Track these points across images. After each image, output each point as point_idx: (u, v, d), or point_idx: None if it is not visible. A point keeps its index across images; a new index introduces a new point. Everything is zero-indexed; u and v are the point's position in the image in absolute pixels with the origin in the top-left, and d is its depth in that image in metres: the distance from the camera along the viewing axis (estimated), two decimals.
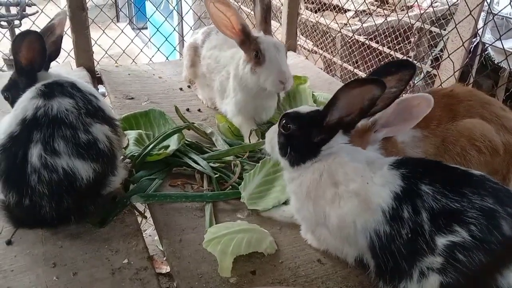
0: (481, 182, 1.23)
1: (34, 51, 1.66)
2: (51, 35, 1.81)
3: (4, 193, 1.59)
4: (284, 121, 1.51)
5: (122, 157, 1.88)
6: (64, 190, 1.55)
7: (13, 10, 3.76)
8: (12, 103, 1.73)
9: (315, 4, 5.42)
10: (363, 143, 1.67)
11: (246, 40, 2.16)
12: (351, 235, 1.38)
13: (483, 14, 3.02)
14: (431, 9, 4.17)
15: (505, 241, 1.10)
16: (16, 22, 3.68)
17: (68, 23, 2.91)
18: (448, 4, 3.22)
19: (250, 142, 2.20)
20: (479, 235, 1.12)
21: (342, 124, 1.44)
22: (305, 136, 1.47)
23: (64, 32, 2.98)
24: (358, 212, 1.33)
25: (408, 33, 4.21)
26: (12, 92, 1.74)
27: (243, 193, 1.84)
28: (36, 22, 3.29)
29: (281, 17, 3.75)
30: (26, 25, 3.54)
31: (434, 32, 3.88)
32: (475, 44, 3.71)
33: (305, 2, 5.41)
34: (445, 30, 3.66)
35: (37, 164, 1.51)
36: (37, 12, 3.67)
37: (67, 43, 3.04)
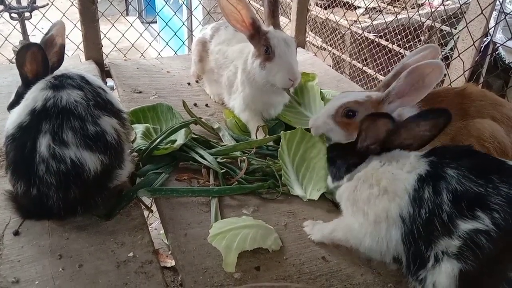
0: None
1: (37, 63, 1.68)
2: (52, 46, 1.81)
3: (12, 182, 1.60)
4: (330, 152, 1.71)
5: (129, 150, 1.89)
6: (72, 180, 1.56)
7: (24, 2, 3.78)
8: None
9: (325, 0, 5.40)
10: None
11: (256, 35, 2.15)
12: (384, 230, 1.40)
13: (494, 13, 3.00)
14: (442, 7, 4.13)
15: None
16: (27, 14, 3.70)
17: (77, 16, 2.93)
18: (459, 3, 3.19)
19: (257, 138, 2.19)
20: (501, 223, 1.10)
21: (370, 150, 1.54)
22: (344, 159, 1.61)
23: (74, 25, 3.01)
24: (389, 203, 1.38)
25: (418, 31, 4.17)
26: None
27: (298, 192, 1.86)
28: (46, 14, 3.30)
29: (290, 13, 3.74)
30: (36, 17, 3.55)
31: (445, 30, 3.85)
32: (486, 43, 3.67)
33: None
34: (455, 29, 3.63)
35: (46, 154, 1.52)
36: (47, 4, 3.69)
37: (77, 36, 3.06)
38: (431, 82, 1.68)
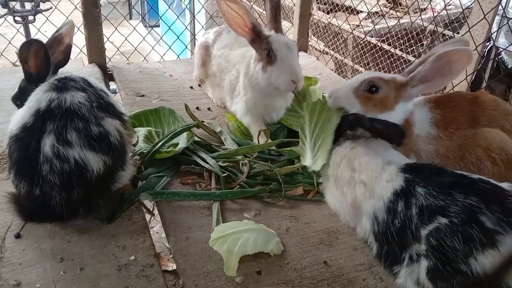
0: (472, 184, 1.39)
1: (40, 59, 1.70)
2: (59, 44, 1.84)
3: (16, 183, 1.61)
4: None
5: (131, 153, 1.89)
6: (75, 180, 1.56)
7: (28, 5, 3.80)
8: None
9: (327, 5, 5.40)
10: (397, 97, 1.83)
11: (257, 39, 2.16)
12: (359, 215, 1.64)
13: (497, 18, 3.00)
14: (444, 12, 4.13)
15: (481, 231, 1.24)
16: (30, 17, 3.72)
17: (81, 20, 2.94)
18: (462, 8, 3.19)
19: (258, 142, 2.19)
20: (457, 226, 1.28)
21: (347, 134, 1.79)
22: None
23: (77, 29, 3.03)
24: (365, 198, 1.59)
25: (421, 35, 4.17)
26: (22, 99, 1.75)
27: (306, 162, 1.87)
28: (50, 18, 3.32)
29: (293, 17, 3.74)
30: (40, 20, 3.57)
31: (447, 35, 3.84)
32: (488, 48, 3.66)
33: (318, 3, 5.39)
34: (458, 33, 3.62)
35: (50, 153, 1.53)
36: (51, 8, 3.70)
37: (80, 39, 3.06)
38: (458, 69, 1.70)
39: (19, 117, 1.62)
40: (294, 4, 3.69)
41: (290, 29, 3.75)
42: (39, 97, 1.61)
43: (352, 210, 1.68)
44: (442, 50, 1.73)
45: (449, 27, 3.76)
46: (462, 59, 1.67)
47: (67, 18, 3.06)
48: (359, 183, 1.62)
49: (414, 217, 1.39)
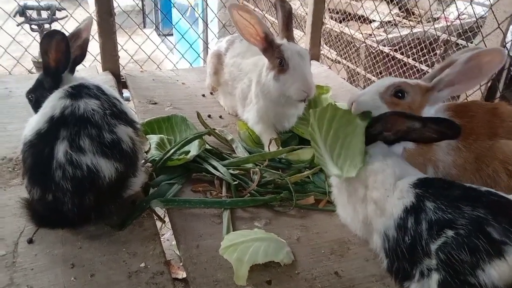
0: (479, 196, 1.39)
1: (60, 52, 1.71)
2: (78, 39, 1.87)
3: (29, 188, 1.63)
4: None
5: (143, 160, 1.90)
6: (87, 187, 1.57)
7: (44, 14, 3.87)
8: (35, 104, 1.79)
9: (339, 14, 5.41)
10: (423, 102, 1.80)
11: (269, 48, 2.16)
12: (370, 232, 1.62)
13: (511, 27, 2.96)
14: (458, 21, 4.10)
15: (488, 242, 1.24)
16: (46, 26, 3.79)
17: (95, 28, 2.99)
18: (475, 17, 3.16)
19: (270, 151, 2.19)
20: (463, 237, 1.28)
21: (381, 137, 1.69)
22: None
23: (91, 37, 3.07)
24: (376, 216, 1.57)
25: (434, 45, 4.15)
26: (37, 93, 1.79)
27: (334, 171, 1.71)
28: (65, 26, 3.37)
29: (305, 26, 3.75)
30: (55, 28, 3.63)
31: (461, 44, 3.81)
32: None
33: (330, 12, 5.40)
34: (472, 43, 3.59)
35: (63, 160, 1.54)
36: (66, 16, 3.77)
37: (94, 47, 3.10)
38: (489, 71, 1.67)
39: (33, 123, 1.64)
40: (306, 13, 3.70)
41: (302, 38, 3.76)
42: (53, 104, 1.63)
43: (363, 226, 1.67)
44: (472, 52, 1.70)
45: (463, 37, 3.74)
46: (493, 60, 1.64)
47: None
48: (371, 201, 1.61)
49: (424, 233, 1.38)
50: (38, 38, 3.79)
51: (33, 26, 3.74)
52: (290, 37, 2.24)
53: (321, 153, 1.78)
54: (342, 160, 1.71)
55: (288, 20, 2.27)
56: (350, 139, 1.72)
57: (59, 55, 1.72)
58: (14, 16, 3.57)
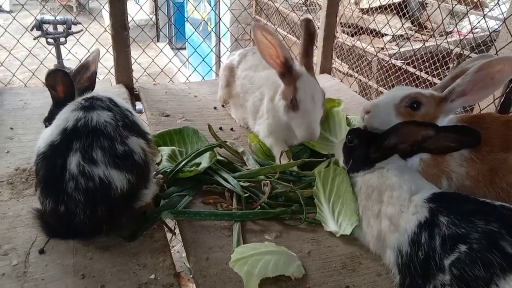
0: (493, 210, 1.39)
1: (66, 85, 1.79)
2: (86, 71, 1.94)
3: (41, 200, 1.64)
4: (350, 136, 1.85)
5: (154, 172, 1.91)
6: (99, 198, 1.58)
7: (60, 28, 3.94)
8: None
9: (351, 28, 5.43)
10: (437, 113, 1.79)
11: (287, 73, 2.13)
12: (384, 247, 1.61)
13: None
14: (471, 35, 4.08)
15: (502, 256, 1.23)
16: (62, 39, 3.86)
17: (110, 41, 3.04)
18: (489, 31, 3.15)
19: (280, 163, 2.18)
20: (476, 252, 1.27)
21: (397, 150, 1.71)
22: (364, 151, 1.78)
23: (106, 50, 3.13)
24: (389, 232, 1.57)
25: (447, 58, 4.13)
26: (51, 121, 1.82)
27: (332, 228, 1.81)
28: (80, 39, 3.43)
29: (317, 40, 3.77)
30: (70, 42, 3.70)
31: None
32: None
33: (342, 26, 5.42)
34: None
35: (75, 171, 1.55)
36: (81, 30, 3.84)
37: (108, 60, 3.16)
38: (501, 80, 1.65)
39: (46, 135, 1.66)
40: (319, 27, 3.71)
41: (314, 51, 3.77)
42: (66, 116, 1.65)
43: (377, 242, 1.65)
44: (483, 60, 1.69)
45: (476, 50, 3.72)
46: (505, 69, 1.62)
47: (97, 40, 3.19)
48: (385, 217, 1.60)
49: (438, 248, 1.37)
50: (53, 51, 3.87)
51: (49, 40, 3.82)
52: (309, 65, 2.20)
53: (322, 210, 1.87)
54: (342, 217, 1.82)
55: (309, 44, 2.24)
56: (346, 196, 1.84)
57: (65, 88, 1.79)
58: (31, 30, 3.65)
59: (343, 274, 1.61)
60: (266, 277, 1.51)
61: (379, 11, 5.44)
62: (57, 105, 1.78)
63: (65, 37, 3.91)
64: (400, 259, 1.49)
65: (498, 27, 3.15)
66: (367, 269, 1.65)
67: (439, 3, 3.54)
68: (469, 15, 3.44)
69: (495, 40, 2.82)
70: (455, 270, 1.29)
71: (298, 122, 2.12)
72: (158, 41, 7.99)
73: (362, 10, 5.82)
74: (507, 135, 1.75)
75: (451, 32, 4.94)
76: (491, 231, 1.29)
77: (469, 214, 1.38)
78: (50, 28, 3.85)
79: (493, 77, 1.66)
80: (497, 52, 2.67)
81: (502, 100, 2.71)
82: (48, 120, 1.83)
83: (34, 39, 3.61)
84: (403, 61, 4.42)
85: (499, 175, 1.70)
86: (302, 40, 2.27)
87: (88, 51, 3.12)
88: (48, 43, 3.79)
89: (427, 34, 4.87)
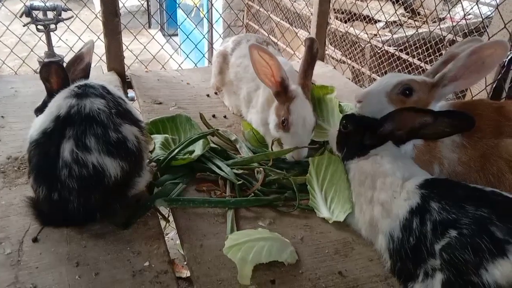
0: (483, 196, 1.41)
1: (60, 77, 1.77)
2: (81, 62, 1.92)
3: (35, 187, 1.64)
4: (344, 122, 1.83)
5: (148, 160, 1.91)
6: (93, 185, 1.58)
7: (50, 14, 3.88)
8: None
9: (345, 14, 5.40)
10: (429, 99, 1.80)
11: (282, 93, 2.11)
12: (376, 233, 1.62)
13: None
14: (463, 21, 4.09)
15: (491, 241, 1.24)
16: (52, 26, 3.80)
17: (101, 28, 3.00)
18: (481, 17, 3.15)
19: (273, 151, 2.18)
20: (467, 237, 1.28)
21: (392, 136, 1.71)
22: (359, 138, 1.77)
23: (97, 37, 3.09)
24: (382, 218, 1.58)
25: (440, 45, 4.14)
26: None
27: (324, 214, 1.83)
28: (71, 26, 3.39)
29: (310, 27, 3.75)
30: (61, 29, 3.64)
31: None
32: (509, 57, 3.61)
33: (335, 12, 5.39)
34: None
35: (69, 158, 1.55)
36: (72, 17, 3.79)
37: (99, 47, 3.12)
38: (491, 64, 1.66)
39: (39, 122, 1.65)
40: (312, 14, 3.70)
41: (307, 36, 3.75)
42: (59, 103, 1.64)
43: (369, 228, 1.67)
44: (474, 44, 1.70)
45: (469, 37, 3.72)
46: (496, 53, 1.63)
47: (88, 27, 3.15)
48: (378, 202, 1.61)
49: (429, 233, 1.39)
50: (44, 38, 3.82)
51: (39, 27, 3.75)
52: (305, 86, 2.17)
53: (315, 196, 1.89)
54: (335, 204, 1.84)
55: (310, 65, 2.21)
56: (340, 184, 1.86)
57: (59, 80, 1.77)
58: (21, 17, 3.58)
59: (335, 259, 1.63)
60: (260, 263, 1.52)
61: None
62: (51, 97, 1.76)
63: (55, 24, 3.85)
64: (392, 244, 1.51)
65: (491, 13, 3.15)
66: (359, 254, 1.67)
67: None
68: (462, 1, 3.43)
69: (487, 26, 2.82)
70: (445, 255, 1.30)
71: (286, 141, 2.11)
72: (149, 27, 7.90)
73: None
74: (499, 122, 1.77)
75: (444, 19, 4.94)
76: (481, 216, 1.30)
77: (460, 200, 1.39)
78: (40, 15, 3.78)
79: (484, 61, 1.66)
80: (489, 38, 2.67)
81: (494, 86, 2.73)
82: (40, 111, 1.81)
83: (24, 25, 3.55)
84: (396, 48, 4.42)
85: (490, 161, 1.72)
86: (303, 60, 2.23)
87: (79, 38, 3.11)
88: (38, 30, 3.72)
89: (420, 21, 4.87)
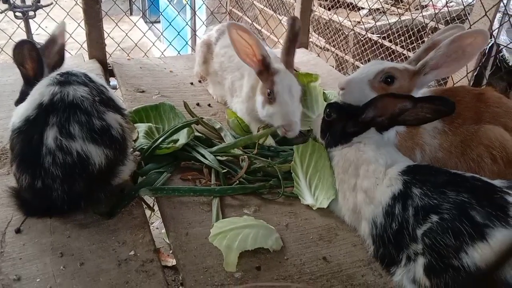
0: (464, 181, 1.43)
1: (34, 61, 1.73)
2: (54, 45, 1.87)
3: (17, 175, 1.61)
4: (328, 110, 1.84)
5: (132, 149, 1.90)
6: (77, 173, 1.57)
7: (28, 1, 3.80)
8: None
9: (328, 1, 5.40)
10: (411, 86, 1.82)
11: (264, 71, 2.10)
12: (359, 220, 1.64)
13: (498, 15, 2.98)
14: (445, 9, 4.12)
15: (471, 225, 1.27)
16: (31, 13, 3.72)
17: (81, 15, 2.94)
18: (463, 4, 3.18)
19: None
20: (447, 222, 1.31)
21: (375, 123, 1.72)
22: (342, 126, 1.79)
23: (78, 24, 3.03)
24: (365, 204, 1.60)
25: (422, 32, 4.17)
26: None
27: (309, 201, 1.84)
28: (50, 13, 3.31)
29: (294, 14, 3.74)
30: (40, 16, 3.57)
31: None
32: (490, 45, 3.66)
33: None
34: None
35: (52, 146, 1.54)
36: (51, 3, 3.70)
37: (80, 35, 3.07)
38: (472, 52, 1.68)
39: (21, 110, 1.62)
40: (295, 1, 3.68)
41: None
42: (41, 91, 1.61)
43: (352, 214, 1.69)
44: (456, 33, 1.71)
45: (450, 24, 3.75)
46: (476, 41, 1.65)
47: (68, 14, 3.09)
48: (361, 190, 1.63)
49: (411, 218, 1.41)
50: (22, 25, 3.73)
51: (17, 14, 3.67)
52: (289, 63, 2.17)
53: (299, 183, 1.91)
54: (319, 191, 1.86)
55: (292, 43, 2.19)
56: (324, 171, 1.87)
57: (34, 64, 1.73)
58: None
59: (320, 245, 1.66)
60: (245, 250, 1.54)
61: None
62: (29, 84, 1.73)
63: (34, 11, 3.76)
64: (375, 230, 1.53)
65: (472, 1, 3.18)
66: (343, 240, 1.69)
67: None
68: None
69: (469, 14, 2.85)
70: (427, 239, 1.33)
71: (275, 115, 2.08)
72: (131, 14, 7.77)
73: None
74: (479, 108, 1.80)
75: (426, 6, 4.97)
76: (462, 201, 1.33)
77: (441, 185, 1.42)
78: (18, 1, 3.69)
79: (464, 50, 1.69)
80: (470, 26, 2.70)
81: (475, 73, 2.77)
82: (20, 102, 1.77)
83: (1, 12, 3.47)
84: (379, 35, 4.44)
85: (470, 147, 1.76)
86: (285, 38, 2.22)
87: None
88: (16, 17, 3.64)
89: (403, 8, 4.89)
